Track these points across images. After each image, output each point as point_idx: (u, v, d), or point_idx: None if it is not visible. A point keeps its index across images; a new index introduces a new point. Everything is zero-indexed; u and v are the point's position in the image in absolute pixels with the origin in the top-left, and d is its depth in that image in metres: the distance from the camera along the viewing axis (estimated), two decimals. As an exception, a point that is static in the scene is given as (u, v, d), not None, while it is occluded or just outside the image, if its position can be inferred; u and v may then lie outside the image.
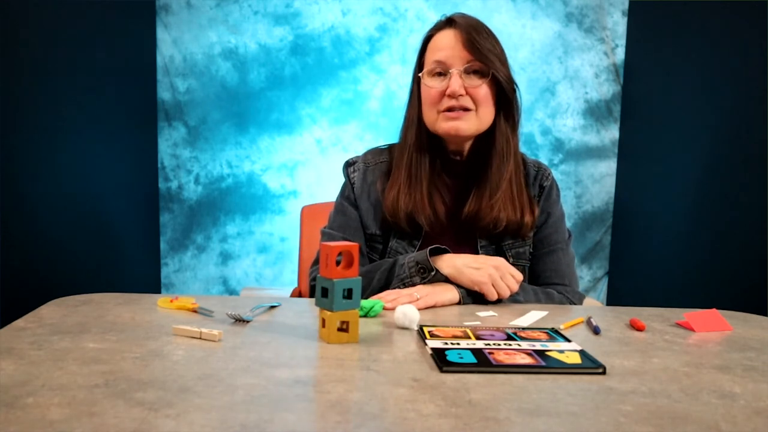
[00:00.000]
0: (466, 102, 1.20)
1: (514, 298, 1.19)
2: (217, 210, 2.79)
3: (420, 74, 1.24)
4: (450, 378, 0.73)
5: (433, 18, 1.30)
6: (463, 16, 1.24)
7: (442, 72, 1.21)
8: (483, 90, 1.20)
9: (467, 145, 1.27)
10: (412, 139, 1.26)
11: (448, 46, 1.21)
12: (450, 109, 1.20)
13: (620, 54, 2.74)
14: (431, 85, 1.22)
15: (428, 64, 1.23)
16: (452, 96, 1.19)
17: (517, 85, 1.26)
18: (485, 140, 1.26)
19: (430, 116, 1.24)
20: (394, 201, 1.25)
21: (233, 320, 0.96)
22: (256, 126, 2.74)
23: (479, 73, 1.20)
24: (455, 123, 1.20)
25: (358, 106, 2.73)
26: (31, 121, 2.02)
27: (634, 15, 2.70)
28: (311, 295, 1.31)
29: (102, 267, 2.36)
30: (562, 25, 2.72)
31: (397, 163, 1.28)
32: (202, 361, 0.77)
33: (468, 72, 1.20)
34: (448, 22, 1.23)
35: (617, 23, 2.72)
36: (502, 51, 1.24)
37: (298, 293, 1.59)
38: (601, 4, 2.71)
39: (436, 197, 1.26)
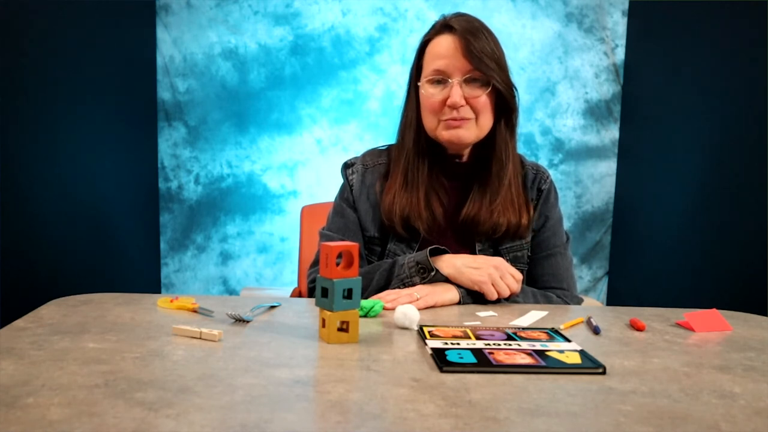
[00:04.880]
0: (466, 113, 1.19)
1: (513, 300, 1.19)
2: (217, 210, 2.79)
3: (419, 83, 1.23)
4: (450, 378, 0.73)
5: (433, 18, 1.27)
6: (460, 18, 1.21)
7: (442, 80, 1.20)
8: (483, 99, 1.19)
9: (467, 150, 1.27)
10: (410, 142, 1.25)
11: (447, 54, 1.18)
12: (450, 119, 1.19)
13: (620, 54, 2.74)
14: (431, 93, 1.20)
15: (427, 72, 1.21)
16: (453, 107, 1.18)
17: (516, 90, 1.24)
18: (485, 144, 1.25)
19: (430, 124, 1.23)
20: (391, 205, 1.24)
21: (233, 320, 0.96)
22: (256, 126, 2.74)
23: (479, 82, 1.19)
24: (456, 131, 1.20)
25: (358, 106, 2.73)
26: (31, 121, 2.01)
27: (634, 15, 2.70)
28: (310, 296, 1.31)
29: (102, 267, 2.36)
30: (562, 25, 2.72)
31: (395, 166, 1.27)
32: (202, 361, 0.77)
33: (468, 82, 1.18)
34: (446, 27, 1.21)
35: (617, 23, 2.72)
36: (501, 53, 1.22)
37: (298, 293, 1.59)
38: (601, 4, 2.71)
39: (434, 200, 1.25)
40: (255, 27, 2.69)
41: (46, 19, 2.07)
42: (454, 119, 1.19)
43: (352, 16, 2.70)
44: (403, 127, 1.28)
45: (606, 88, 2.76)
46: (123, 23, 2.48)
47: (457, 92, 1.17)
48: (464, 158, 1.27)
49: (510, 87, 1.22)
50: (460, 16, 1.22)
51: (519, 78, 2.70)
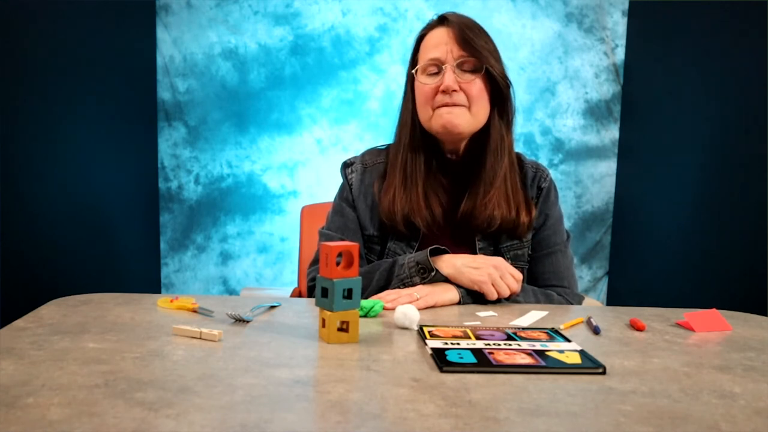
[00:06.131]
0: (460, 98, 1.19)
1: (513, 299, 1.19)
2: (217, 210, 2.79)
3: (413, 71, 1.24)
4: (450, 378, 0.73)
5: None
6: (456, 14, 1.24)
7: (436, 69, 1.21)
8: (477, 85, 1.19)
9: (462, 144, 1.26)
10: (406, 139, 1.26)
11: (441, 42, 1.20)
12: (443, 106, 1.19)
13: (620, 54, 2.74)
14: (425, 82, 1.21)
15: (422, 62, 1.23)
16: (446, 91, 1.18)
17: (510, 83, 1.25)
18: (480, 139, 1.25)
19: (424, 114, 1.23)
20: (390, 203, 1.24)
21: (233, 320, 0.96)
22: (256, 126, 2.74)
23: (473, 69, 1.20)
24: (449, 117, 1.19)
25: (358, 106, 2.73)
26: (31, 121, 2.01)
27: (634, 15, 2.70)
28: (310, 295, 1.31)
29: (102, 267, 2.36)
30: (562, 25, 2.72)
31: (392, 165, 1.27)
32: (202, 361, 0.77)
33: (461, 67, 1.19)
34: (441, 21, 1.23)
35: (617, 23, 2.72)
36: (496, 48, 1.23)
37: (298, 293, 1.59)
38: (601, 4, 2.71)
39: (433, 198, 1.25)
40: (255, 27, 2.69)
41: (46, 20, 2.07)
42: (447, 105, 1.19)
43: (352, 16, 2.70)
44: (400, 126, 1.29)
45: (606, 88, 2.76)
46: (123, 23, 2.48)
47: (449, 76, 1.18)
48: (460, 153, 1.27)
49: (504, 76, 1.23)
50: (455, 14, 1.25)
51: (519, 78, 2.71)
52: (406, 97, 1.28)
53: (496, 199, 1.22)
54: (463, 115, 1.20)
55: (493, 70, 1.20)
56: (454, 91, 1.18)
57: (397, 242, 1.27)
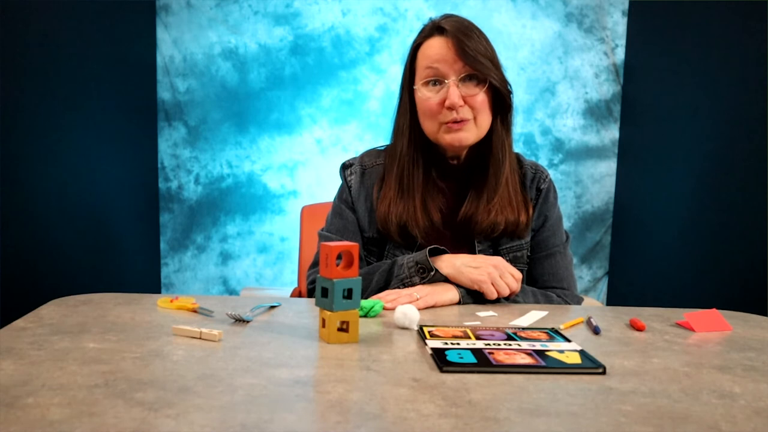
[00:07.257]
0: (465, 113, 1.18)
1: (513, 299, 1.18)
2: (217, 210, 2.79)
3: (415, 86, 1.22)
4: (450, 378, 0.73)
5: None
6: (449, 19, 1.21)
7: (437, 81, 1.19)
8: (480, 97, 1.18)
9: (465, 151, 1.26)
10: (403, 149, 1.24)
11: (439, 54, 1.18)
12: (452, 122, 1.18)
13: (620, 54, 2.74)
14: (428, 96, 1.19)
15: (421, 74, 1.21)
16: (451, 108, 1.17)
17: (511, 88, 1.23)
18: (481, 143, 1.24)
19: (430, 128, 1.22)
20: (387, 214, 1.23)
21: (233, 320, 0.96)
22: (256, 126, 2.74)
23: (475, 80, 1.18)
24: (458, 135, 1.19)
25: (358, 106, 2.73)
26: (31, 121, 2.02)
27: (634, 15, 2.70)
28: (309, 297, 1.31)
29: (102, 267, 2.36)
30: (562, 25, 2.72)
31: (388, 174, 1.27)
32: (202, 361, 0.77)
33: (463, 80, 1.18)
34: (437, 29, 1.20)
35: (617, 23, 2.72)
36: (493, 50, 1.21)
37: (298, 293, 1.59)
38: (601, 4, 2.71)
39: (431, 205, 1.24)
40: (255, 27, 2.69)
41: (46, 19, 2.07)
42: (455, 122, 1.18)
43: (352, 16, 2.70)
44: (397, 133, 1.27)
45: (606, 88, 2.76)
46: (123, 23, 2.49)
47: (454, 92, 1.16)
48: (462, 158, 1.27)
49: (505, 84, 1.22)
50: (449, 17, 1.22)
51: (519, 78, 2.71)
52: (402, 104, 1.26)
53: (499, 206, 1.22)
54: (470, 129, 1.19)
55: (495, 81, 1.18)
56: (460, 106, 1.17)
57: (397, 244, 1.26)
